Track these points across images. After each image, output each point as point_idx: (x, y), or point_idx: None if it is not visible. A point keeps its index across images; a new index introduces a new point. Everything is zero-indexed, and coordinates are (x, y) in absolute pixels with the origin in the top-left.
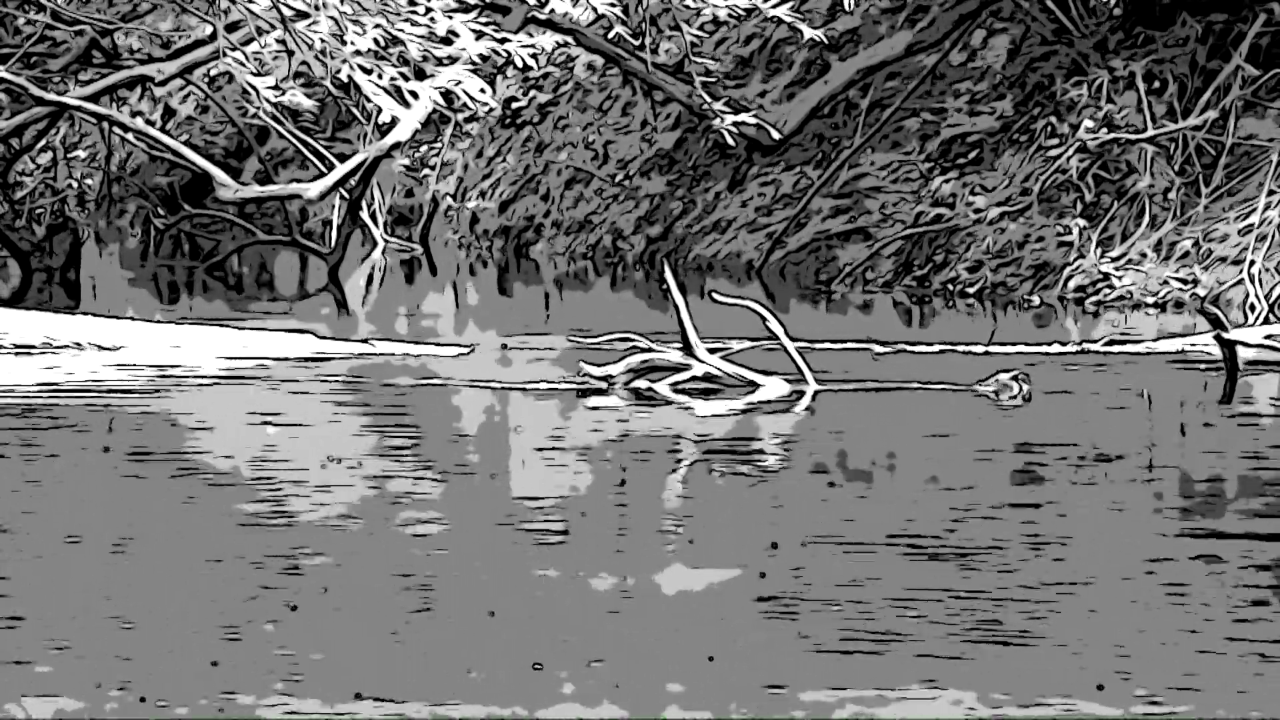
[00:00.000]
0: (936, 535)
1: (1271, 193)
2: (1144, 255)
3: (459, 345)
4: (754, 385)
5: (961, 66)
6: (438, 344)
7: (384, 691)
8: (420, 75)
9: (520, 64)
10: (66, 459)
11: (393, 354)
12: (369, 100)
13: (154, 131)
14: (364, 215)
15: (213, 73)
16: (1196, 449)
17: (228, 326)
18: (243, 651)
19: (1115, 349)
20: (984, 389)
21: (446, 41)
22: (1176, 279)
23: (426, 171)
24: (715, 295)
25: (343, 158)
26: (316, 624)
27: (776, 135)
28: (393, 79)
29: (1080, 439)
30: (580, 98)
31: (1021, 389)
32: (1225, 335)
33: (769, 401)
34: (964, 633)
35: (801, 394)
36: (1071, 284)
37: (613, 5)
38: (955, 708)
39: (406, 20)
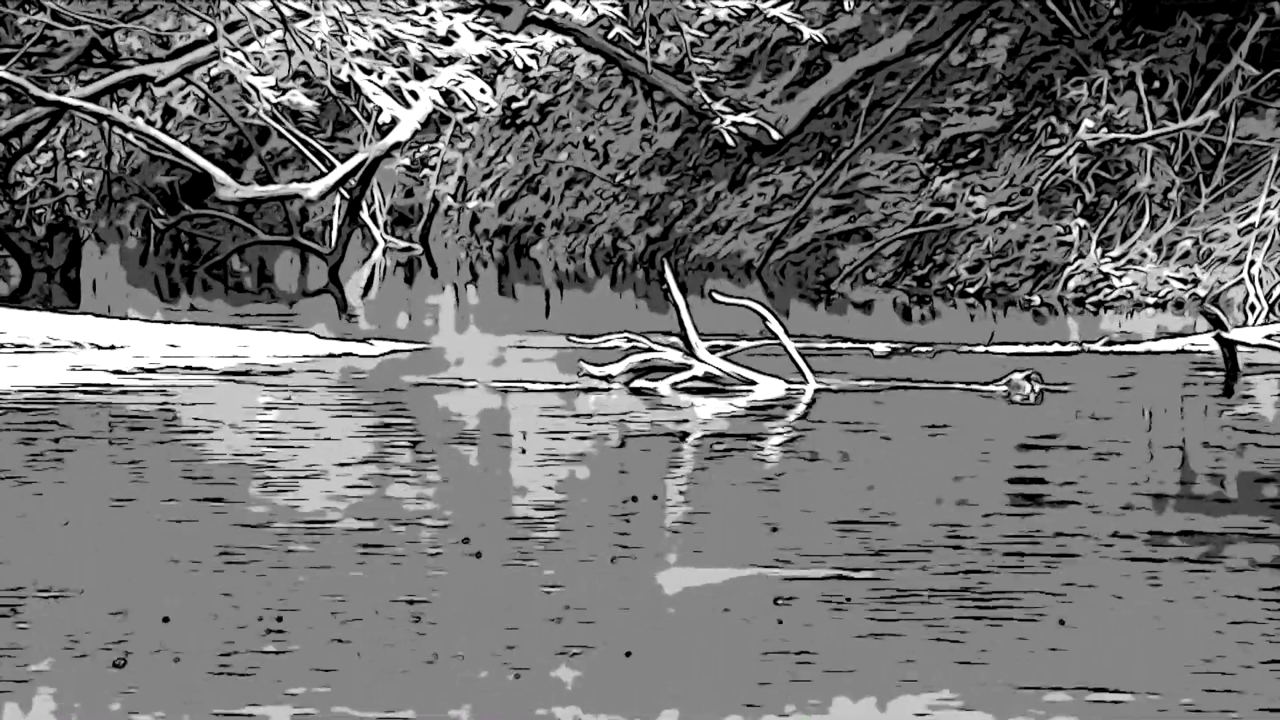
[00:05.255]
0: (936, 533)
1: (1271, 193)
2: (1144, 255)
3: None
4: (754, 385)
5: (961, 66)
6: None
7: (382, 693)
8: (420, 75)
9: (520, 64)
10: (65, 458)
11: (393, 353)
12: (369, 100)
13: (154, 131)
14: (364, 215)
15: (213, 73)
16: (1196, 448)
17: (228, 326)
18: (240, 655)
19: (1115, 349)
20: (996, 389)
21: (446, 41)
22: (1176, 279)
23: (426, 171)
24: (715, 295)
25: (343, 158)
26: (312, 625)
27: (776, 135)
28: (393, 79)
29: (1081, 438)
30: (580, 98)
31: (1032, 389)
32: (1225, 335)
33: (769, 401)
34: (964, 631)
35: (801, 394)
36: (1071, 284)
37: (613, 5)
38: (954, 706)
39: (406, 20)
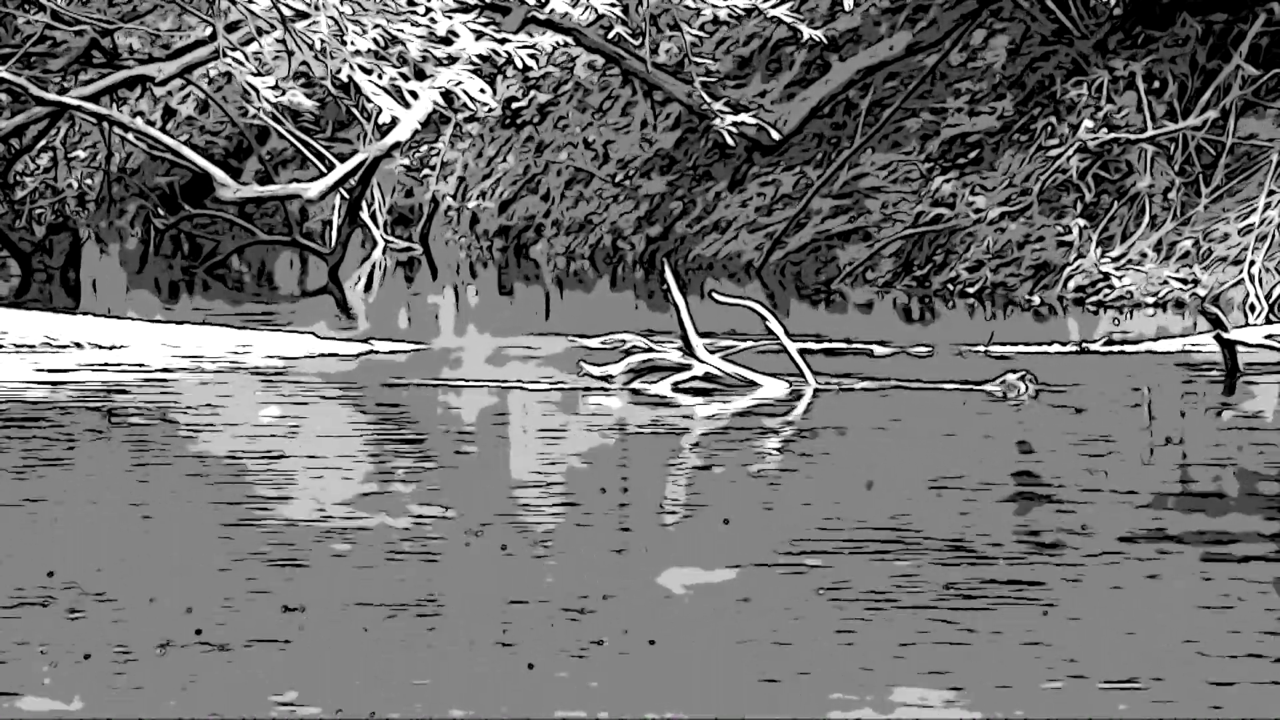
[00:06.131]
0: (934, 534)
1: (1271, 193)
2: (1144, 255)
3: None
4: (754, 385)
5: (961, 66)
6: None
7: (382, 694)
8: (420, 75)
9: (520, 64)
10: (65, 458)
11: (393, 353)
12: (369, 100)
13: (154, 131)
14: (364, 215)
15: (213, 73)
16: (1196, 448)
17: (228, 326)
18: (240, 655)
19: (1115, 349)
20: (991, 389)
21: (446, 41)
22: (1176, 279)
23: (426, 171)
24: (715, 295)
25: (343, 158)
26: (313, 626)
27: (776, 135)
28: (393, 79)
29: (1080, 438)
30: (580, 98)
31: (1028, 389)
32: (1225, 335)
33: (769, 401)
34: (963, 632)
35: (801, 394)
36: (1071, 284)
37: (613, 5)
38: (954, 707)
39: (406, 20)
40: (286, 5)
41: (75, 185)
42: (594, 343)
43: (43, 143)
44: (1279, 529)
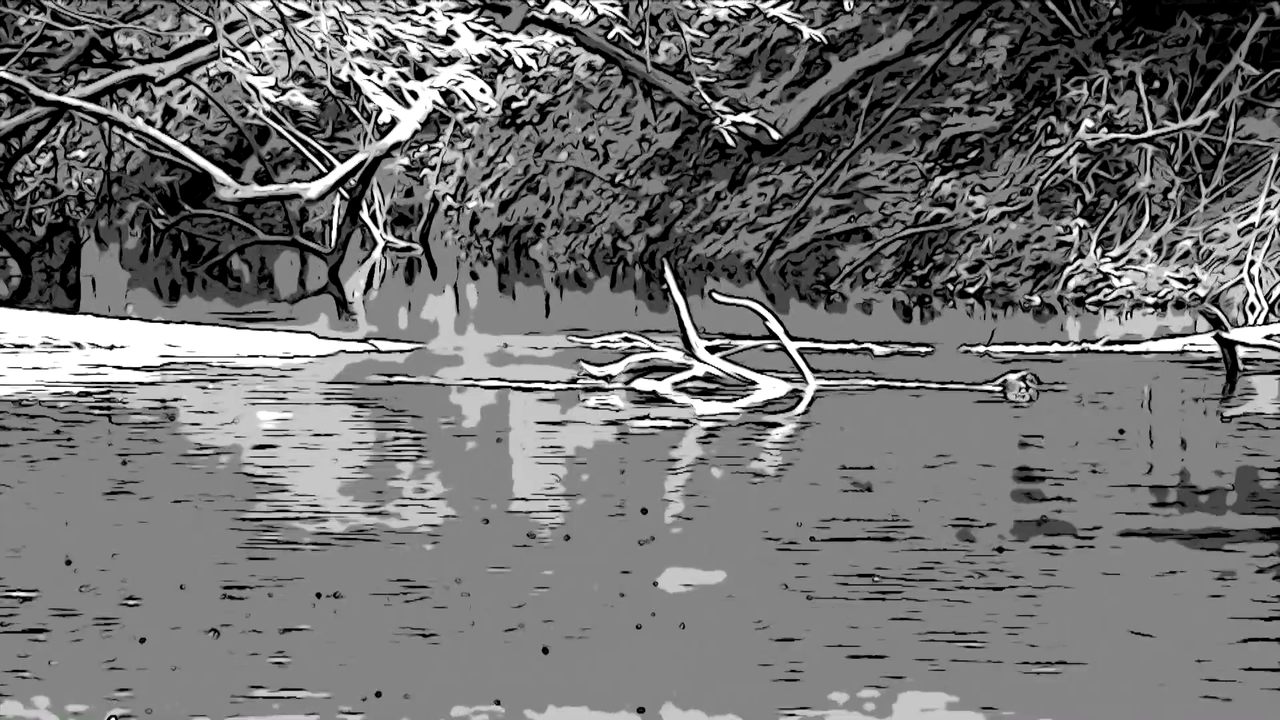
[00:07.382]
0: (934, 531)
1: (1271, 193)
2: (1144, 255)
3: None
4: (754, 385)
5: (961, 66)
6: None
7: (407, 678)
8: (420, 75)
9: (520, 64)
10: (66, 458)
11: (393, 353)
12: (369, 100)
13: (154, 131)
14: (364, 215)
15: (213, 73)
16: (1196, 448)
17: (228, 326)
18: (244, 654)
19: (1115, 349)
20: (992, 389)
21: (446, 41)
22: (1176, 279)
23: (426, 171)
24: (715, 295)
25: (343, 158)
26: (316, 626)
27: (776, 135)
28: (393, 79)
29: (1080, 438)
30: (580, 98)
31: (1029, 389)
32: (1225, 335)
33: (769, 401)
34: (963, 631)
35: (801, 394)
36: (1071, 284)
37: (613, 5)
38: (954, 708)
39: (406, 20)
40: (286, 5)
41: (75, 185)
42: (594, 343)
43: (43, 143)
44: (1274, 525)
